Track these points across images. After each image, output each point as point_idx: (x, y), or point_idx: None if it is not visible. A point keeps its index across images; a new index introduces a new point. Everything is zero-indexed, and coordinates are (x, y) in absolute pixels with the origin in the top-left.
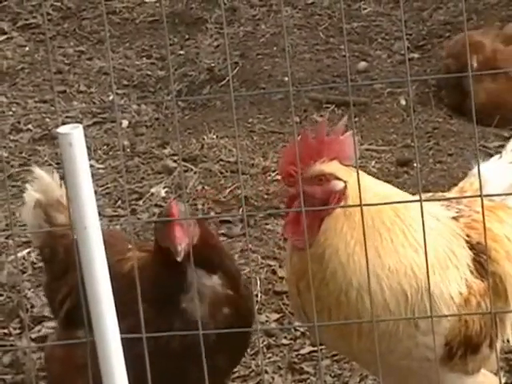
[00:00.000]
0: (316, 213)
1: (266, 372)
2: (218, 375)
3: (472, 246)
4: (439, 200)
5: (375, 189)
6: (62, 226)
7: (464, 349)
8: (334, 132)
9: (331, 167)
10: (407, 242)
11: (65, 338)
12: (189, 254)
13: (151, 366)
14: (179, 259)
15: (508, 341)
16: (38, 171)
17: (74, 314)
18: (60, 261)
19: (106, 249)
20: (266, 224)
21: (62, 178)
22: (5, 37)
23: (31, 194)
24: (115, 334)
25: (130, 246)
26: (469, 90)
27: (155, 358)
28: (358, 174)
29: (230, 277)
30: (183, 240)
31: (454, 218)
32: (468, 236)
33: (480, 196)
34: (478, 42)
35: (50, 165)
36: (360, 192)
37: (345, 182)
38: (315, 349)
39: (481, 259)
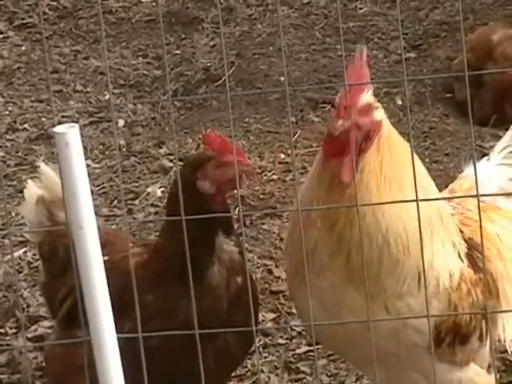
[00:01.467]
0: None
1: (262, 371)
2: (231, 360)
3: (465, 241)
4: (435, 200)
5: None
6: (61, 225)
7: (452, 336)
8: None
9: (370, 96)
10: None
11: (65, 337)
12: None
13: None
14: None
15: (499, 340)
16: (43, 167)
17: (75, 313)
18: (60, 259)
19: (107, 247)
20: (263, 224)
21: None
22: (1, 36)
23: (33, 190)
24: (111, 333)
25: (131, 244)
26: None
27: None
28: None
29: (240, 244)
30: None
31: None
32: (461, 231)
33: (476, 196)
34: (487, 46)
35: (46, 164)
36: (356, 191)
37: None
38: (311, 348)
39: (473, 254)
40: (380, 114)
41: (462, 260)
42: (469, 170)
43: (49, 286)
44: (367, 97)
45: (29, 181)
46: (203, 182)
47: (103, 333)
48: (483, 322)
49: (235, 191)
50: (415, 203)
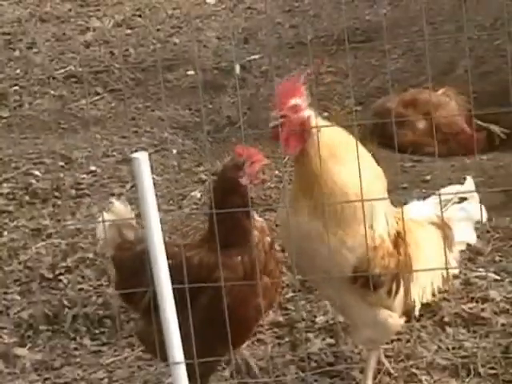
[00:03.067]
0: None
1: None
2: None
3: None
4: (377, 199)
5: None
6: (128, 242)
7: (364, 280)
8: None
9: (303, 100)
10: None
11: (150, 321)
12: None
13: None
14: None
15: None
16: (117, 204)
17: (153, 302)
18: (126, 267)
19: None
20: (264, 216)
21: (134, 186)
22: (99, 97)
23: (109, 217)
24: (171, 304)
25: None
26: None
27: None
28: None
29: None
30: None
31: None
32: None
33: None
34: (387, 109)
35: (119, 202)
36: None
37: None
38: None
39: (397, 239)
40: (309, 112)
41: (388, 234)
42: (410, 205)
43: (122, 285)
44: (296, 100)
45: (105, 212)
46: (244, 177)
47: (166, 301)
48: (393, 282)
49: (260, 181)
50: (364, 172)
